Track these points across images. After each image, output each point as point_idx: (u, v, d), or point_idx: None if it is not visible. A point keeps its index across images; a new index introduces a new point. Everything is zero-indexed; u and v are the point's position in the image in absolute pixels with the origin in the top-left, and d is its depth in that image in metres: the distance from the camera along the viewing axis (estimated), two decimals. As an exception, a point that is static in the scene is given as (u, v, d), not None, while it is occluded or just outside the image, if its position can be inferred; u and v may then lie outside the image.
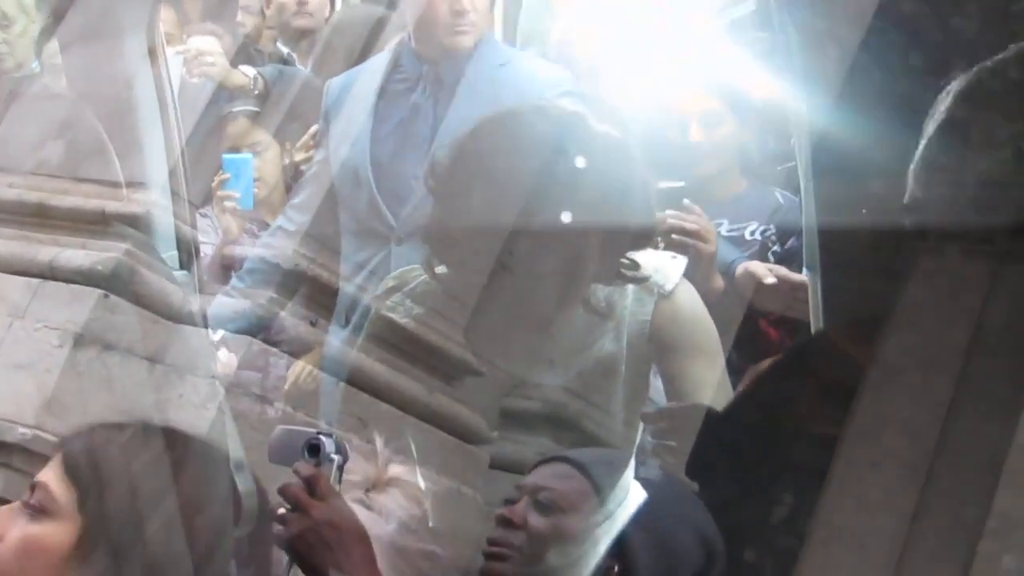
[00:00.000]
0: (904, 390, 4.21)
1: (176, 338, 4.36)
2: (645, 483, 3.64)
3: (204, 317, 4.44)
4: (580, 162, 4.23)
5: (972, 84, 3.90)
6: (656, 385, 4.56)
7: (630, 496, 3.65)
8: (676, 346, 4.43)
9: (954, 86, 3.96)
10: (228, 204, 5.03)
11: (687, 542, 3.78)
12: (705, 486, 4.07)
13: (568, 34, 5.60)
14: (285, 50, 5.93)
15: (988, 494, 3.80)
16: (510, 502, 3.55)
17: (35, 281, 4.35)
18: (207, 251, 4.89)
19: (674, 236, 4.67)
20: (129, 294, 4.34)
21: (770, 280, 4.70)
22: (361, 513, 3.11)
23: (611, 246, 4.31)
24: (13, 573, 2.72)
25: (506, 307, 4.26)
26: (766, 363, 4.38)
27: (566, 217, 4.19)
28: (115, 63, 4.58)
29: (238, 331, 4.46)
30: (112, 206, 4.46)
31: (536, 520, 3.52)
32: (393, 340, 4.38)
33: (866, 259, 4.30)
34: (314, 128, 5.30)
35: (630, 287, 4.37)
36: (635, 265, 4.35)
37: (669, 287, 4.42)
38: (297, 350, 4.51)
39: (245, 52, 5.70)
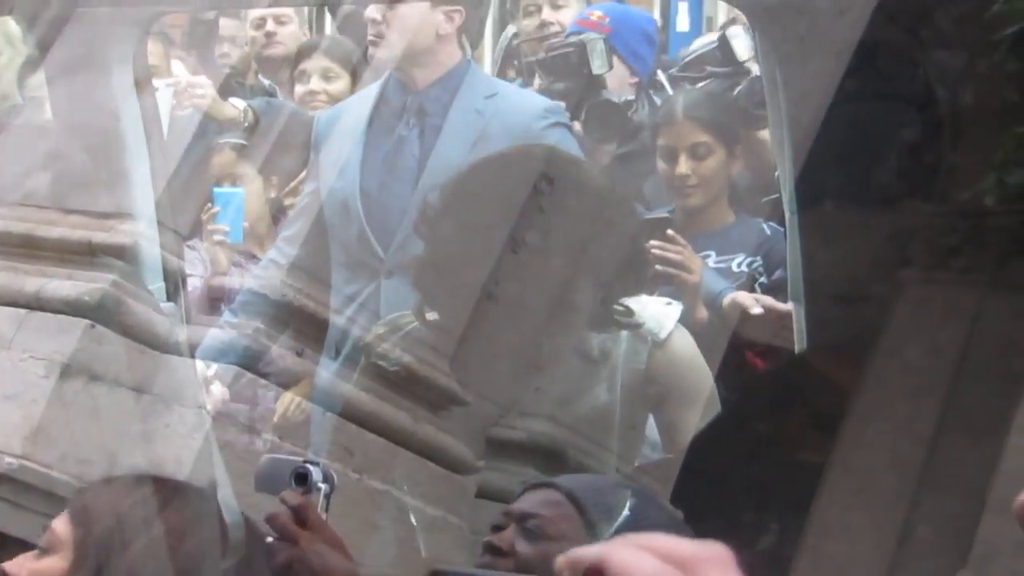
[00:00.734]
0: (889, 418, 4.22)
1: (163, 368, 4.37)
2: (632, 508, 3.64)
3: (191, 347, 4.45)
4: (568, 203, 4.24)
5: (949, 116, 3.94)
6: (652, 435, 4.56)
7: (619, 522, 3.65)
8: (672, 395, 4.43)
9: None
10: (218, 237, 5.04)
11: None
12: (690, 514, 4.07)
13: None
14: (267, 82, 5.95)
15: (973, 521, 3.81)
16: (497, 528, 3.55)
17: (22, 312, 4.36)
18: (194, 283, 4.90)
19: (658, 267, 4.67)
20: (116, 324, 4.35)
21: (757, 310, 4.71)
22: None
23: (603, 291, 4.32)
24: None
25: (492, 336, 4.27)
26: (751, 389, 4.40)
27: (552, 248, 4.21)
28: (102, 94, 4.60)
29: (229, 363, 4.47)
30: (99, 237, 4.47)
31: (524, 547, 3.52)
32: (379, 370, 4.38)
33: (852, 288, 4.31)
34: (303, 174, 5.32)
35: (624, 334, 4.37)
36: (629, 312, 4.35)
37: (663, 334, 4.41)
38: (285, 381, 4.52)
39: (228, 85, 5.72)
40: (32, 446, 4.21)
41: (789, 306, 4.60)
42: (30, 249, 4.49)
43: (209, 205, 5.01)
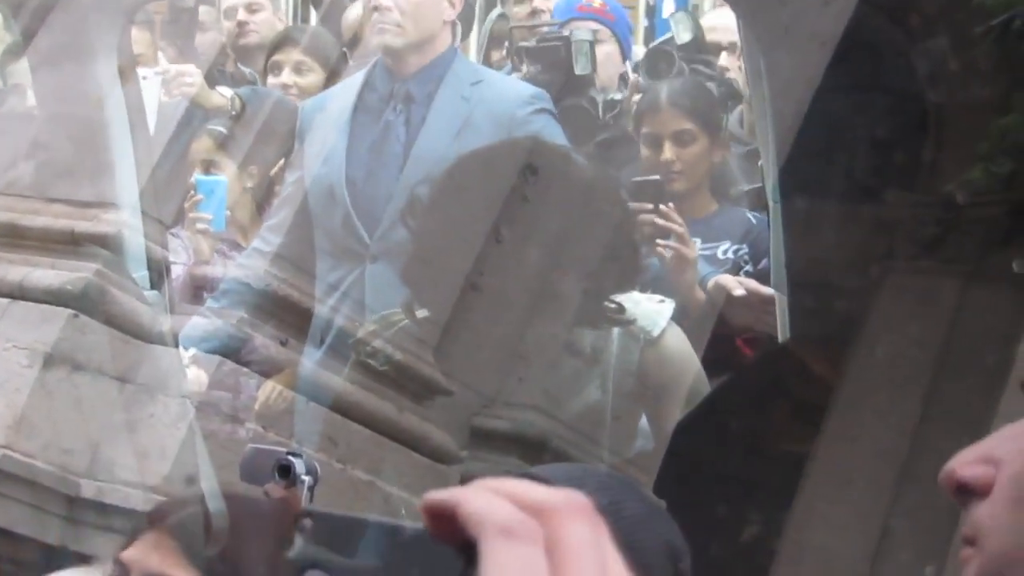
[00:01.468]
0: (872, 408, 4.22)
1: (147, 358, 4.36)
2: (611, 497, 3.64)
3: (175, 337, 4.44)
4: (554, 193, 4.23)
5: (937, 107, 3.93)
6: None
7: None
8: (665, 394, 4.42)
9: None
10: (201, 226, 5.02)
11: (657, 556, 3.77)
12: (673, 504, 4.07)
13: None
14: (247, 70, 5.93)
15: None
16: None
17: (4, 301, 4.35)
18: (177, 271, 4.88)
19: (658, 242, 4.65)
20: (99, 314, 4.34)
21: (739, 292, 4.70)
22: None
23: (594, 285, 4.31)
24: None
25: (476, 327, 4.27)
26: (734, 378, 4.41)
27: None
28: (86, 83, 4.59)
29: (211, 351, 4.46)
30: (82, 226, 4.46)
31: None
32: (363, 360, 4.38)
33: (834, 279, 4.31)
34: (280, 162, 5.30)
35: (616, 333, 4.36)
36: (620, 308, 4.35)
37: (656, 332, 4.40)
38: (268, 370, 4.51)
39: (212, 75, 5.70)
40: (15, 435, 4.20)
41: (771, 290, 4.61)
42: (13, 238, 4.48)
43: (192, 193, 4.99)
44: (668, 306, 4.46)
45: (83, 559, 4.15)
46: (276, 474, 2.95)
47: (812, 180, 4.27)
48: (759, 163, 4.72)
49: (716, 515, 4.24)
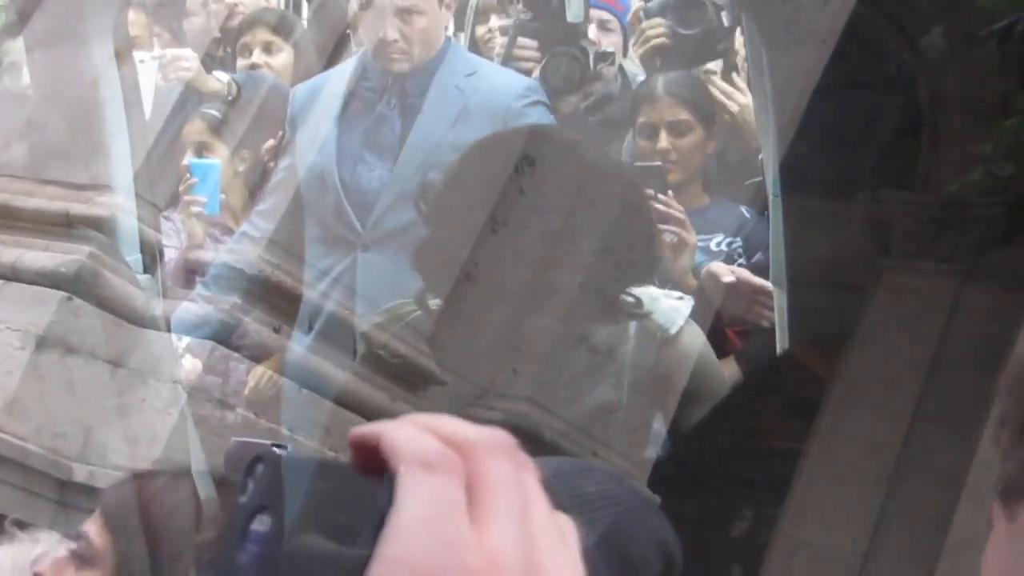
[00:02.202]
0: (866, 406, 4.24)
1: (139, 342, 4.34)
2: (603, 492, 3.64)
3: (167, 321, 4.42)
4: (558, 184, 4.20)
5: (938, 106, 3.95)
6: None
7: (589, 506, 3.65)
8: (681, 393, 4.37)
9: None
10: (195, 209, 4.99)
11: (647, 551, 3.78)
12: (667, 499, 4.08)
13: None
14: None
15: (949, 509, 3.83)
16: None
17: (-3, 282, 4.33)
18: (170, 255, 4.86)
19: (659, 227, 4.64)
20: (92, 297, 4.32)
21: (728, 278, 4.70)
22: None
23: (611, 278, 4.27)
24: None
25: (470, 317, 4.26)
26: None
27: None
28: (81, 64, 4.56)
29: (203, 337, 4.44)
30: (76, 208, 4.44)
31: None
32: (356, 348, 4.37)
33: (831, 275, 4.33)
34: (270, 142, 5.28)
35: (633, 329, 4.33)
36: (638, 302, 4.31)
37: (674, 330, 4.36)
38: (258, 355, 4.50)
39: (207, 59, 5.66)
40: (7, 418, 4.18)
41: (764, 281, 4.61)
42: (6, 220, 4.45)
43: (187, 176, 4.96)
44: (687, 303, 4.43)
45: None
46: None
47: (809, 178, 4.28)
48: (759, 157, 4.73)
49: (709, 510, 4.26)
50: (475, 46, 5.68)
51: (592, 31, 5.48)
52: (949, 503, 3.80)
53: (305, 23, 6.02)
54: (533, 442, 4.25)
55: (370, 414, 4.33)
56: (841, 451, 4.10)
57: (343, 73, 5.18)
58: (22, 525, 2.86)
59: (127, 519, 2.79)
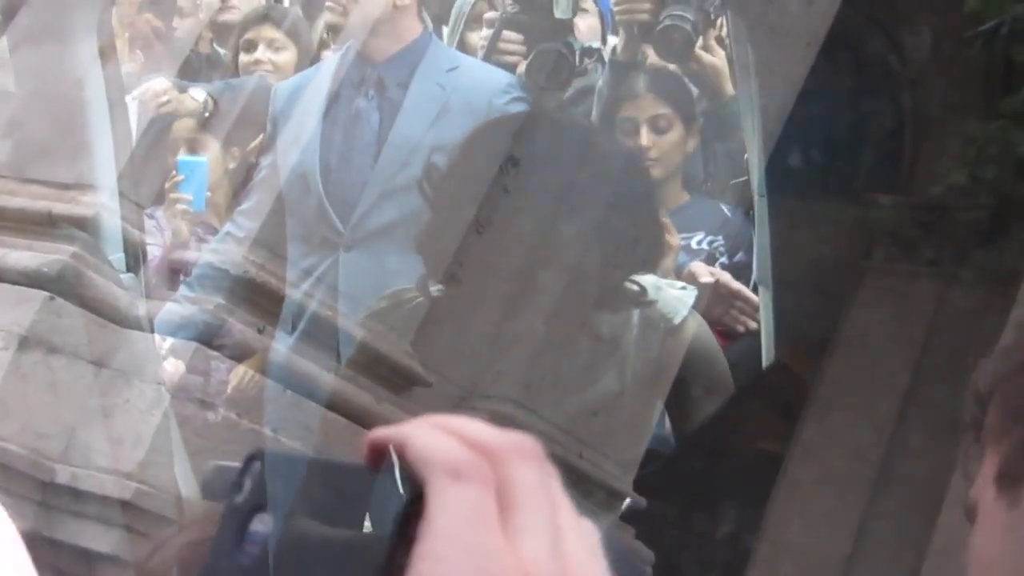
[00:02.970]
0: (850, 409, 4.24)
1: (123, 342, 4.32)
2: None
3: (151, 322, 4.40)
4: (587, 170, 4.14)
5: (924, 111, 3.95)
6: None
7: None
8: (685, 384, 4.34)
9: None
10: (180, 207, 4.98)
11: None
12: (652, 500, 4.08)
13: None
14: (223, 51, 5.88)
15: (933, 512, 3.84)
16: None
17: (-20, 281, 4.31)
18: (153, 253, 4.84)
19: None
20: (75, 297, 4.30)
21: (706, 279, 4.70)
22: None
23: (613, 263, 4.24)
24: None
25: (455, 318, 4.26)
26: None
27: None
28: (66, 63, 4.54)
29: (187, 338, 4.42)
30: (60, 208, 4.41)
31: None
32: (340, 349, 4.36)
33: (814, 277, 4.33)
34: (258, 139, 5.27)
35: (636, 320, 4.29)
36: (643, 291, 4.28)
37: (677, 320, 4.32)
38: (242, 356, 4.48)
39: (187, 62, 5.65)
40: (-11, 418, 4.16)
41: (741, 285, 4.61)
42: (-10, 219, 4.43)
43: (173, 173, 4.95)
44: (691, 293, 4.39)
45: (55, 545, 4.13)
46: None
47: (794, 179, 4.29)
48: (745, 156, 4.73)
49: (693, 512, 4.26)
50: (466, 51, 5.66)
51: (574, 27, 5.47)
52: (933, 506, 3.81)
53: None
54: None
55: (354, 415, 4.32)
56: (825, 454, 4.11)
57: (325, 71, 5.17)
58: None
59: None
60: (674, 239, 4.76)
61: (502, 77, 5.16)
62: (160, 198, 5.01)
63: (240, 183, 5.30)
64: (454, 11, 5.78)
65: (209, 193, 5.04)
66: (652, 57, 5.24)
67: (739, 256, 4.93)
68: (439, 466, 0.84)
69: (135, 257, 4.51)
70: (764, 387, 4.39)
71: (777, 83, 4.15)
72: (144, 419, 4.28)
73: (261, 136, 5.27)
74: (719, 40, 5.09)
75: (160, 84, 5.28)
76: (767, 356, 4.49)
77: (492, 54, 5.44)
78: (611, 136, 4.82)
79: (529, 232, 4.23)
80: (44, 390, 4.27)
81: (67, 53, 4.53)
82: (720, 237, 5.05)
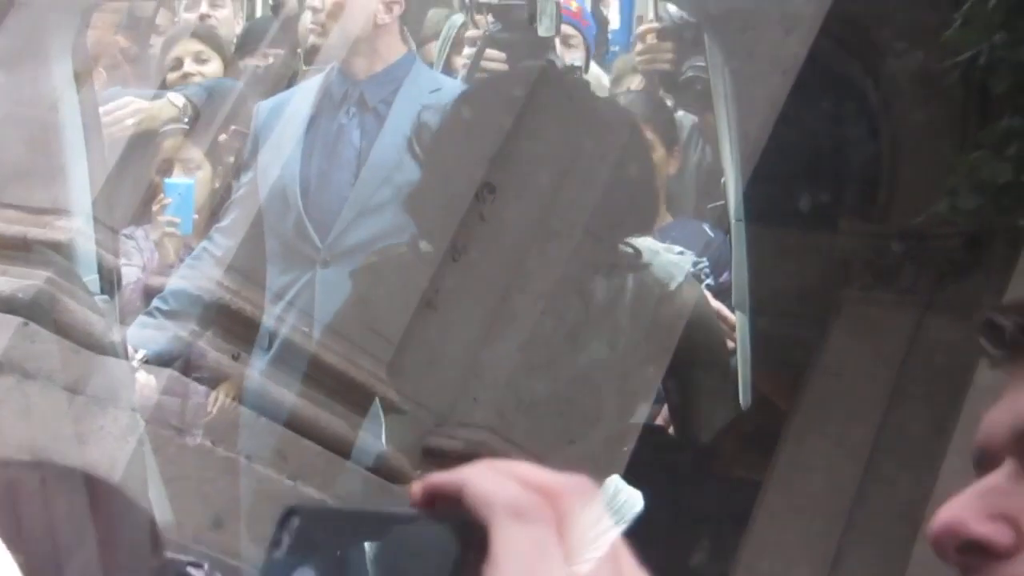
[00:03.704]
0: (826, 437, 4.23)
1: (97, 369, 4.31)
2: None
3: (126, 347, 4.39)
4: (578, 125, 4.07)
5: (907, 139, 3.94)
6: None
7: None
8: (678, 350, 4.19)
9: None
10: (168, 229, 4.98)
11: None
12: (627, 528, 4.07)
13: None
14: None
15: (907, 543, 3.83)
16: None
17: (-47, 308, 4.29)
18: (131, 273, 4.82)
19: None
20: (50, 323, 4.29)
21: None
22: None
23: (610, 225, 4.14)
24: None
25: (430, 344, 4.25)
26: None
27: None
28: (41, 86, 4.53)
29: (160, 364, 4.41)
30: (35, 232, 4.40)
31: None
32: (315, 375, 4.35)
33: (790, 305, 4.32)
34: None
35: (630, 285, 4.21)
36: (637, 253, 4.19)
37: (672, 285, 4.23)
38: (215, 381, 4.47)
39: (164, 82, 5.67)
40: (-38, 444, 4.15)
41: (721, 305, 4.60)
42: (-37, 244, 4.42)
43: (161, 196, 4.94)
44: (687, 258, 4.30)
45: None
46: None
47: (771, 206, 4.27)
48: (722, 180, 4.72)
49: (668, 540, 4.25)
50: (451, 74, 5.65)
51: (556, 46, 5.48)
52: (908, 535, 3.80)
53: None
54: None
55: (328, 442, 4.31)
56: (801, 482, 4.10)
57: (308, 90, 5.16)
58: None
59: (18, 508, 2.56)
60: (672, 164, 4.71)
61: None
62: (138, 218, 4.99)
63: (219, 201, 5.29)
64: (441, 36, 5.78)
65: (196, 216, 5.03)
66: (636, 83, 5.25)
67: (724, 276, 4.93)
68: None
69: (110, 282, 4.50)
70: (739, 414, 4.38)
71: (754, 110, 4.14)
72: (118, 445, 4.27)
73: (236, 153, 5.27)
74: None
75: (123, 103, 5.27)
76: (743, 381, 4.48)
77: (475, 72, 5.43)
78: (611, 102, 4.75)
79: (505, 259, 4.22)
80: (18, 416, 4.26)
81: (42, 77, 4.52)
82: (704, 259, 5.04)
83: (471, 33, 5.70)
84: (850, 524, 4.04)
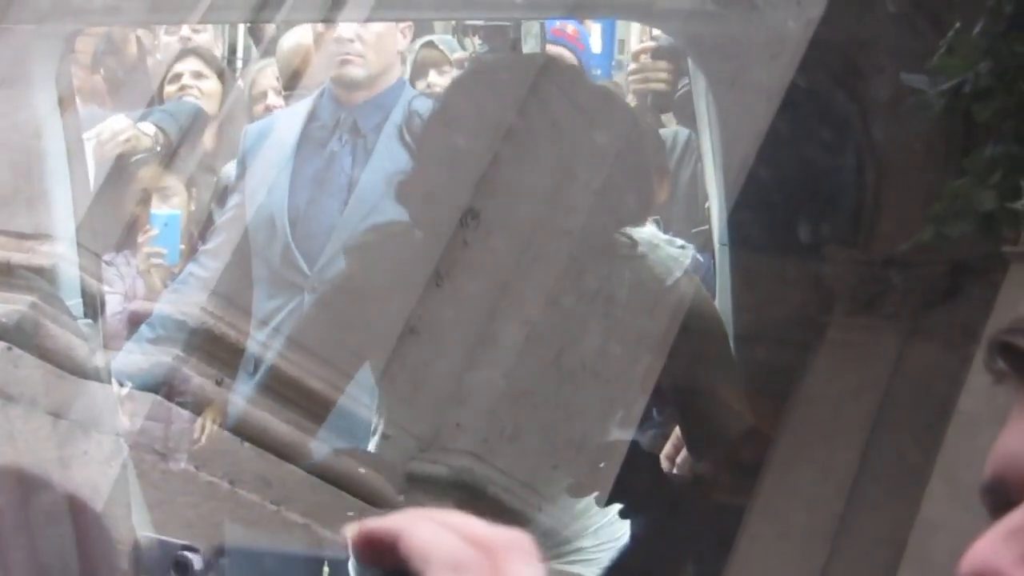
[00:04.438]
0: (810, 462, 4.23)
1: (81, 393, 4.31)
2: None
3: (109, 372, 4.39)
4: (567, 110, 4.04)
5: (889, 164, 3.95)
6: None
7: None
8: (677, 350, 4.09)
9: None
10: (155, 260, 5.00)
11: None
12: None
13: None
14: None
15: (891, 569, 3.83)
16: None
17: (-63, 333, 4.30)
18: (113, 301, 4.84)
19: None
20: (33, 347, 4.29)
21: None
22: None
23: (604, 212, 4.07)
24: None
25: (413, 370, 4.24)
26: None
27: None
28: (24, 112, 4.54)
29: (143, 389, 4.41)
30: (17, 257, 4.41)
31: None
32: (298, 400, 4.35)
33: (774, 331, 4.32)
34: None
35: (627, 279, 4.12)
36: (633, 243, 4.11)
37: (670, 281, 4.13)
38: (199, 406, 4.47)
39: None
40: (-56, 470, 4.13)
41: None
42: (-53, 269, 4.42)
43: (148, 227, 4.97)
44: (687, 252, 4.19)
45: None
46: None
47: (753, 232, 4.28)
48: (705, 205, 4.73)
49: (652, 565, 4.24)
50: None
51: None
52: (892, 561, 3.80)
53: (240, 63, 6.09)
54: (476, 498, 4.23)
55: (312, 467, 4.31)
56: (785, 508, 4.09)
57: (296, 114, 5.17)
58: None
59: None
60: (663, 191, 4.68)
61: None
62: (119, 245, 5.00)
63: (203, 224, 5.30)
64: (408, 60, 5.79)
65: (183, 246, 5.06)
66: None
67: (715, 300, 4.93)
68: (439, 560, 0.84)
69: (93, 307, 4.51)
70: (723, 440, 4.37)
71: (739, 136, 4.15)
72: (102, 471, 4.27)
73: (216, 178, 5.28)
74: None
75: (120, 122, 5.30)
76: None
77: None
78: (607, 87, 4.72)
79: (489, 285, 4.22)
80: (2, 441, 4.26)
81: (25, 102, 4.53)
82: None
83: (458, 55, 5.72)
84: (835, 549, 4.03)
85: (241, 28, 6.83)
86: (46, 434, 4.28)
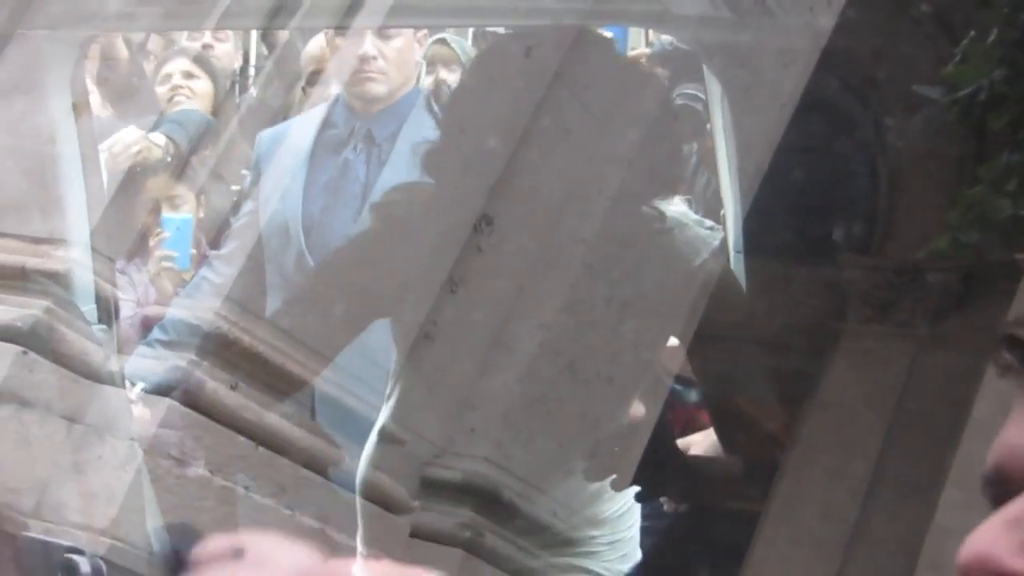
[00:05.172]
0: (824, 469, 4.24)
1: (95, 398, 4.31)
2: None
3: (124, 377, 4.40)
4: (599, 83, 4.02)
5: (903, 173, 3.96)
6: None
7: None
8: (703, 328, 4.03)
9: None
10: (166, 264, 5.00)
11: None
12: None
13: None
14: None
15: (907, 573, 3.83)
16: None
17: (-48, 337, 4.30)
18: (126, 308, 4.84)
19: None
20: (48, 352, 4.30)
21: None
22: None
23: (633, 185, 4.03)
24: None
25: (428, 375, 4.25)
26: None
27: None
28: (38, 118, 4.54)
29: (157, 393, 4.41)
30: (32, 262, 4.41)
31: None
32: (313, 405, 4.36)
33: (789, 337, 4.33)
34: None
35: (654, 257, 4.07)
36: (661, 216, 4.04)
37: (697, 261, 4.06)
38: (216, 414, 4.47)
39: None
40: (-40, 474, 4.15)
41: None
42: (-38, 273, 4.43)
43: (159, 231, 4.97)
44: (716, 234, 4.11)
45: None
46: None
47: (767, 239, 4.28)
48: (721, 212, 4.73)
49: (666, 573, 4.25)
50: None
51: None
52: (906, 568, 3.80)
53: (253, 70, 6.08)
54: (491, 502, 4.24)
55: (327, 472, 4.32)
56: (799, 514, 4.10)
57: (311, 120, 5.16)
58: None
59: None
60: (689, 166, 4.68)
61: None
62: (130, 253, 5.01)
63: (215, 230, 5.30)
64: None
65: (194, 251, 5.05)
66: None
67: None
68: None
69: (107, 311, 4.51)
70: (738, 448, 4.38)
71: (752, 144, 4.15)
72: (117, 475, 4.27)
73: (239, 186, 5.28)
74: None
75: (132, 134, 5.30)
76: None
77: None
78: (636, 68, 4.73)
79: (503, 291, 4.22)
80: (16, 445, 4.26)
81: (40, 107, 4.53)
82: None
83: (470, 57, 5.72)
84: (848, 556, 4.04)
85: (254, 35, 6.83)
86: (61, 438, 4.28)
